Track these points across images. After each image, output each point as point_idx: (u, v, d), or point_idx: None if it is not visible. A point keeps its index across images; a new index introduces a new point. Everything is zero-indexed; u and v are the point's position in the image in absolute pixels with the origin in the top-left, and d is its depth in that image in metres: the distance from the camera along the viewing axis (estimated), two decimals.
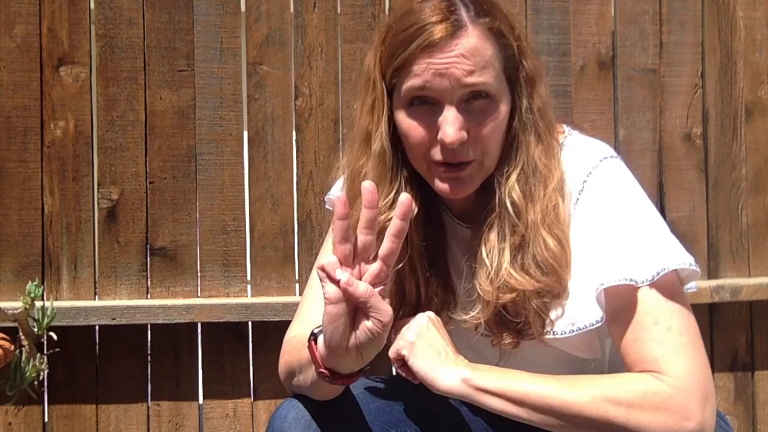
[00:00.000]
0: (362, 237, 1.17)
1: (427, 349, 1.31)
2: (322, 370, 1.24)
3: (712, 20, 2.37)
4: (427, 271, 1.39)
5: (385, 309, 1.16)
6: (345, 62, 2.22)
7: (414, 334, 1.33)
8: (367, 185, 1.15)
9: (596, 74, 2.32)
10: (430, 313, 1.37)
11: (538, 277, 1.30)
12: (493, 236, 1.33)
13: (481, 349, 1.42)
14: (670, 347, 1.23)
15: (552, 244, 1.31)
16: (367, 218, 1.16)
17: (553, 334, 1.33)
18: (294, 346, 1.42)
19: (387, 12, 2.23)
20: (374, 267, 1.17)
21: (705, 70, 2.37)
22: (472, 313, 1.35)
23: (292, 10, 2.21)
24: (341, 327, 1.17)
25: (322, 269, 1.16)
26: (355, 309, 1.17)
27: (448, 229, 1.45)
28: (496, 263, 1.32)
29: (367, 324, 1.16)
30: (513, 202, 1.33)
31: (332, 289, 1.16)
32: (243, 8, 2.20)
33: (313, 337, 1.26)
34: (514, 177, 1.34)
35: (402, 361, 1.34)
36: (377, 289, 1.16)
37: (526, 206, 1.32)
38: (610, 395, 1.21)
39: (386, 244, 1.17)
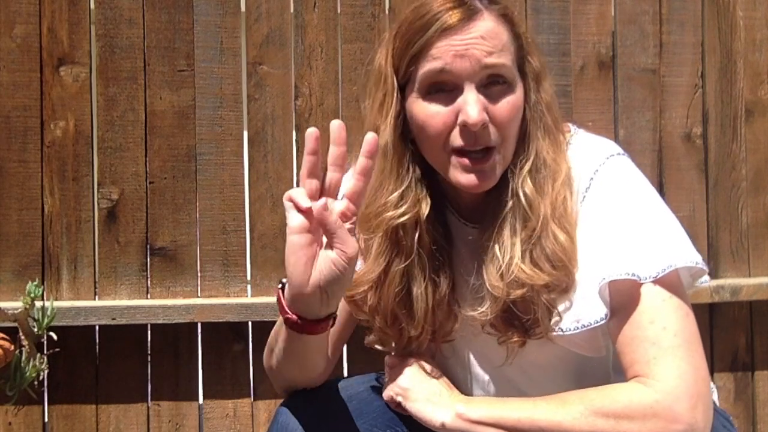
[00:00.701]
0: (330, 174, 1.20)
1: (421, 393, 1.36)
2: (289, 315, 1.24)
3: (712, 20, 2.37)
4: (434, 274, 1.39)
5: (350, 242, 1.18)
6: (345, 62, 2.22)
7: (407, 380, 1.38)
8: (336, 123, 1.20)
9: (596, 74, 2.32)
10: (421, 362, 1.41)
11: (549, 271, 1.30)
12: (505, 230, 1.33)
13: (486, 351, 1.42)
14: (662, 348, 1.23)
15: (562, 238, 1.31)
16: (335, 155, 1.20)
17: (560, 330, 1.33)
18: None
19: (387, 12, 2.24)
20: (341, 203, 1.21)
21: (705, 70, 2.37)
22: (481, 309, 1.35)
23: (292, 10, 2.21)
24: (303, 259, 1.18)
25: (290, 198, 1.19)
26: (316, 245, 1.19)
27: (454, 230, 1.44)
28: (507, 258, 1.32)
29: (330, 255, 1.18)
30: (526, 195, 1.32)
31: (296, 219, 1.18)
32: (243, 8, 2.20)
33: (281, 285, 1.28)
34: (526, 169, 1.34)
35: (396, 403, 1.39)
36: (346, 226, 1.19)
37: (537, 200, 1.32)
38: (597, 408, 1.23)
39: (353, 183, 1.20)
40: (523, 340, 1.34)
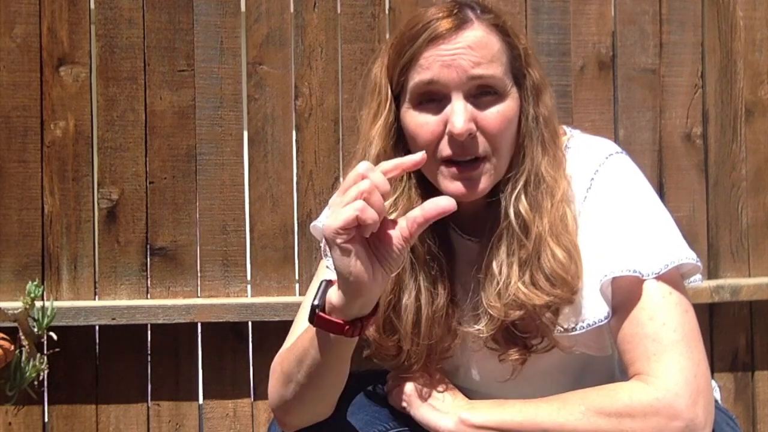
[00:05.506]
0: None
1: (425, 398, 1.36)
2: (339, 321, 1.20)
3: (712, 20, 2.37)
4: (431, 285, 1.37)
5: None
6: (345, 62, 2.22)
7: (412, 387, 1.38)
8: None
9: (596, 74, 2.32)
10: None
11: (548, 290, 1.29)
12: (502, 249, 1.32)
13: (490, 367, 1.41)
14: (662, 345, 1.24)
15: (561, 256, 1.30)
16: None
17: (564, 331, 1.33)
18: (287, 353, 1.38)
19: (387, 12, 2.24)
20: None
21: (705, 70, 2.37)
22: (478, 327, 1.34)
23: (292, 10, 2.21)
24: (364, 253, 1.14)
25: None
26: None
27: (455, 244, 1.43)
28: (504, 278, 1.31)
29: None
30: (518, 214, 1.31)
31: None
32: (243, 8, 2.20)
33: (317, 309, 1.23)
34: (520, 186, 1.33)
35: (401, 407, 1.40)
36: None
37: (534, 218, 1.31)
38: (599, 408, 1.23)
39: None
40: (524, 357, 1.34)
